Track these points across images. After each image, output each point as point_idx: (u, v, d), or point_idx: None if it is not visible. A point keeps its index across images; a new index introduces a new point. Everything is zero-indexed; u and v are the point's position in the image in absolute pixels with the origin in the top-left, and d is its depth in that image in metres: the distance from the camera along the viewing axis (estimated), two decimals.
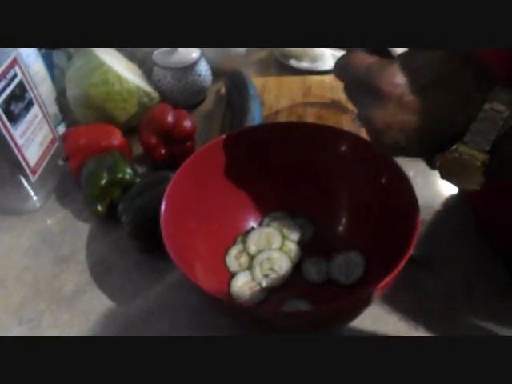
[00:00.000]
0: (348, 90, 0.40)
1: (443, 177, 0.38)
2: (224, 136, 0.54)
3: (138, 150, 0.71)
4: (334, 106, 0.75)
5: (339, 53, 0.42)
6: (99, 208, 0.60)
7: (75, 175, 0.65)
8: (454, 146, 0.36)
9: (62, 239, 0.62)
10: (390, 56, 0.39)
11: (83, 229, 0.63)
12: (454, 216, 0.61)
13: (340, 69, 0.40)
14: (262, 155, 0.56)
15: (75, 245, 0.61)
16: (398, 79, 0.36)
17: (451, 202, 0.63)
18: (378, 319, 0.50)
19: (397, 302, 0.52)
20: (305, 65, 0.86)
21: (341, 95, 0.77)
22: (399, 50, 0.39)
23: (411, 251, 0.42)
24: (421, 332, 0.49)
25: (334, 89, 0.78)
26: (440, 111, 0.35)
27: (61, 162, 0.66)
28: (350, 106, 0.75)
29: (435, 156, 0.37)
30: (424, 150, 0.38)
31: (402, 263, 0.41)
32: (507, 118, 0.33)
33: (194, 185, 0.52)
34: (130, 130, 0.72)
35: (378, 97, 0.36)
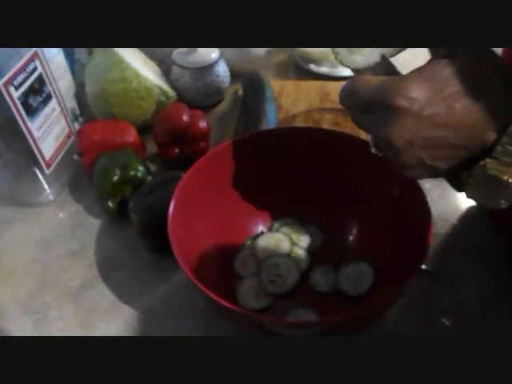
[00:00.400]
0: (358, 116, 0.38)
1: (470, 196, 0.35)
2: (237, 138, 0.54)
3: (152, 148, 0.71)
4: None
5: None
6: (110, 204, 0.60)
7: (88, 170, 0.65)
8: (482, 162, 0.33)
9: (72, 233, 0.62)
10: (397, 74, 0.38)
11: (94, 224, 0.63)
12: (471, 231, 0.59)
13: (347, 95, 0.37)
14: (276, 159, 0.55)
15: (85, 240, 0.61)
16: (415, 92, 0.33)
17: (468, 217, 0.61)
18: (386, 331, 0.49)
19: (406, 317, 0.50)
20: (324, 70, 0.85)
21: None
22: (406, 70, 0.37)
23: (423, 265, 0.41)
24: None
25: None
26: (466, 125, 0.33)
27: (75, 157, 0.67)
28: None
29: (462, 174, 0.35)
30: (450, 169, 0.35)
31: (413, 277, 0.40)
32: None
33: (205, 186, 0.51)
34: (145, 128, 0.72)
35: (395, 113, 0.33)
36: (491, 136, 0.33)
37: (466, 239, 0.59)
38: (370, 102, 0.35)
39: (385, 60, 0.39)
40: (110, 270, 0.58)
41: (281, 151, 0.55)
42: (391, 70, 0.39)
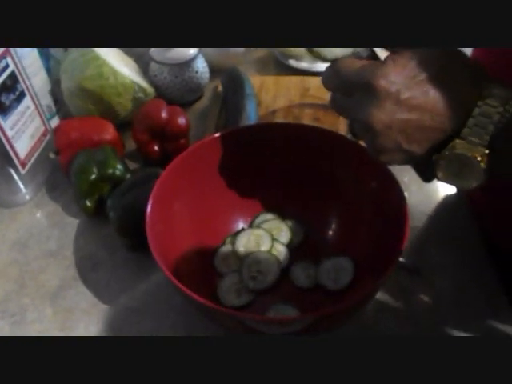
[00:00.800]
0: (338, 99, 0.39)
1: (442, 177, 0.37)
2: (217, 135, 0.53)
3: (131, 145, 0.70)
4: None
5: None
6: (88, 203, 0.59)
7: (65, 169, 0.64)
8: (452, 143, 0.35)
9: (49, 234, 0.61)
10: (378, 59, 0.38)
11: (72, 224, 0.62)
12: (448, 223, 0.60)
13: (330, 76, 0.39)
14: (255, 156, 0.55)
15: (63, 240, 0.60)
16: (393, 76, 0.35)
17: (445, 209, 0.62)
18: (365, 326, 0.50)
19: (385, 310, 0.51)
20: (304, 65, 0.85)
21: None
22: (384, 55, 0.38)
23: (401, 258, 0.41)
24: None
25: None
26: (439, 107, 0.35)
27: (52, 155, 0.66)
28: None
29: (433, 157, 0.36)
30: (424, 152, 0.36)
31: (390, 270, 0.40)
32: (502, 113, 0.34)
33: (184, 183, 0.51)
34: (123, 124, 0.71)
35: (375, 96, 0.35)
36: (459, 119, 0.35)
37: (443, 231, 0.59)
38: (352, 82, 0.37)
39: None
40: (88, 270, 0.57)
41: (260, 147, 0.55)
42: (371, 56, 0.40)
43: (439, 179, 0.37)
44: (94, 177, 0.58)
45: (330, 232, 0.55)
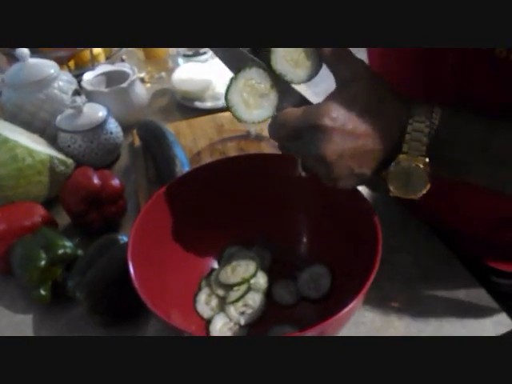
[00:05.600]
0: (287, 145, 0.43)
1: (393, 190, 0.43)
2: (169, 185, 0.53)
3: (63, 220, 0.66)
4: (250, 136, 0.78)
5: None
6: (43, 292, 0.54)
7: (1, 265, 0.59)
8: (396, 159, 0.41)
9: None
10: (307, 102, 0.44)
11: (25, 321, 0.56)
12: (383, 209, 0.66)
13: (276, 128, 0.43)
14: (211, 194, 0.56)
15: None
16: (334, 113, 0.40)
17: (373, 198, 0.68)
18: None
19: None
20: (209, 104, 0.88)
21: (253, 126, 0.80)
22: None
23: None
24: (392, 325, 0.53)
25: None
26: (378, 131, 0.40)
27: None
28: (265, 133, 0.79)
29: (382, 174, 0.42)
30: (372, 171, 0.42)
31: (374, 271, 0.43)
32: (430, 125, 0.40)
33: (152, 238, 0.50)
34: (49, 201, 0.67)
35: (323, 132, 0.40)
36: (397, 138, 0.41)
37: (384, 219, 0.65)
38: (299, 128, 0.41)
39: (294, 92, 0.45)
40: None
41: (214, 185, 0.55)
42: (299, 100, 0.45)
43: (392, 193, 0.43)
44: (43, 262, 0.54)
45: (300, 246, 0.58)
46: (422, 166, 0.41)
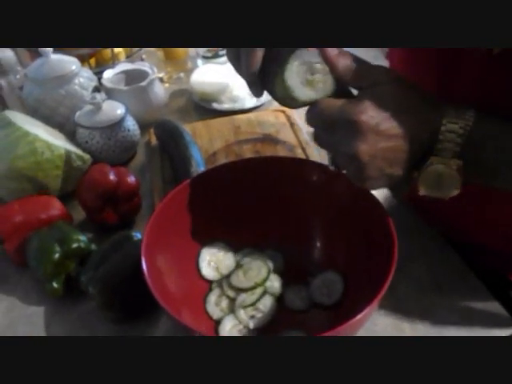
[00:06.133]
0: (321, 135, 0.42)
1: (423, 190, 0.42)
2: (184, 184, 0.53)
3: (78, 215, 0.67)
4: (267, 139, 0.78)
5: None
6: (55, 285, 0.55)
7: (17, 257, 0.59)
8: (429, 161, 0.41)
9: (13, 332, 0.55)
10: (353, 96, 0.43)
11: (37, 313, 0.57)
12: (398, 218, 0.66)
13: (313, 115, 0.42)
14: (225, 194, 0.56)
15: (31, 334, 0.55)
16: (370, 111, 0.39)
17: (389, 207, 0.68)
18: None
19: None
20: (226, 106, 0.89)
21: (270, 129, 0.81)
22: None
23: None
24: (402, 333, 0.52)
25: (261, 124, 0.82)
26: (411, 133, 0.40)
27: None
28: (280, 137, 0.79)
29: (414, 174, 0.42)
30: (403, 173, 0.41)
31: (389, 279, 0.42)
32: (463, 127, 0.40)
33: (167, 236, 0.51)
34: (63, 197, 0.68)
35: (358, 130, 0.39)
36: (428, 140, 0.41)
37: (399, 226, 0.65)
38: (335, 120, 0.40)
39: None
40: None
41: (230, 187, 0.56)
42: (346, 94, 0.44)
43: (422, 193, 0.42)
44: (57, 255, 0.54)
45: (313, 252, 0.57)
46: (454, 167, 0.40)
